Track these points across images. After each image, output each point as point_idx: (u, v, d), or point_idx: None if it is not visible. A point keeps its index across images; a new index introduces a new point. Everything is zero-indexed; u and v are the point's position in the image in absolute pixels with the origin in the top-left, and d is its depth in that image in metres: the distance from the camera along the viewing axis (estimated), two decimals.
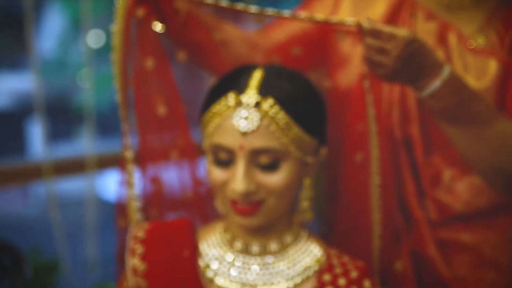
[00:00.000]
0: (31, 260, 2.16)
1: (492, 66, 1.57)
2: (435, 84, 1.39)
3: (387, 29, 1.35)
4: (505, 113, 1.55)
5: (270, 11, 1.38)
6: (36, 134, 12.18)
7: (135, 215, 1.52)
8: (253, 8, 1.37)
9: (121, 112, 1.50)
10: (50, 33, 10.99)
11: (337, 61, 1.70)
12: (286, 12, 1.39)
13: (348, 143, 1.57)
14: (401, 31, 1.35)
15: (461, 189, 1.60)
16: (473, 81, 1.56)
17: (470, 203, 1.60)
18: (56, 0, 10.67)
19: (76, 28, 11.15)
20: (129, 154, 1.51)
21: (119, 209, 1.57)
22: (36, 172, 2.69)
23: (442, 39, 1.62)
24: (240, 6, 1.40)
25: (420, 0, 1.66)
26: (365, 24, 1.35)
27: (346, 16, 1.68)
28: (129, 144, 1.51)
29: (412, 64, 1.37)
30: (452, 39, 1.61)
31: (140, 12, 1.45)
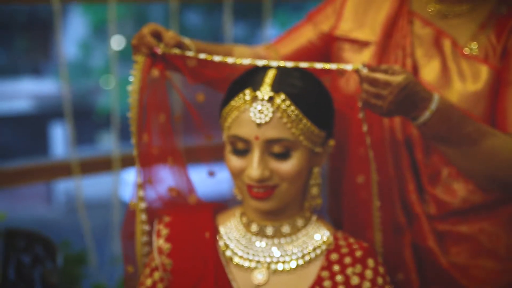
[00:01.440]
0: (61, 253, 2.29)
1: (485, 72, 1.68)
2: (426, 115, 1.52)
3: (383, 77, 1.47)
4: (496, 116, 1.67)
5: (277, 62, 1.50)
6: (59, 136, 12.36)
7: (140, 216, 1.62)
8: (261, 62, 1.49)
9: (136, 164, 1.59)
10: (72, 38, 11.19)
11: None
12: (289, 63, 1.49)
13: (351, 161, 1.66)
14: (396, 78, 1.47)
15: (457, 187, 1.71)
16: (466, 86, 1.68)
17: (466, 199, 1.71)
18: (77, 6, 10.88)
19: (96, 33, 11.35)
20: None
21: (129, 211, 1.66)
22: (64, 170, 2.85)
23: (437, 45, 1.74)
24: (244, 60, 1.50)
25: (417, 9, 1.78)
26: (363, 71, 1.47)
27: (347, 22, 1.82)
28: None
29: (406, 102, 1.50)
30: (447, 45, 1.73)
31: (156, 72, 1.54)
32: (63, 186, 11.40)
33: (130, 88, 1.52)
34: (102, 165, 3.00)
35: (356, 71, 1.47)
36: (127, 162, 3.00)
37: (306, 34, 1.87)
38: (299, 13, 10.74)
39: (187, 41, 1.62)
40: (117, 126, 3.01)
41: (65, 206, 11.29)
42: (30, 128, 12.29)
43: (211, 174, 1.66)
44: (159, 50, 1.52)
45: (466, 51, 1.71)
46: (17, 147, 11.01)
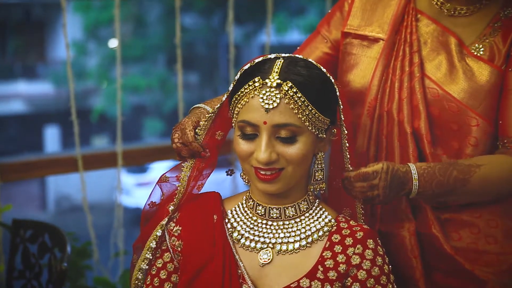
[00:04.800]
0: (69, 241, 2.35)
1: (490, 72, 1.78)
2: (415, 184, 1.67)
3: (370, 169, 1.64)
4: (498, 120, 1.78)
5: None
6: (54, 136, 12.36)
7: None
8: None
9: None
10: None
11: (346, 66, 1.91)
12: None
13: None
14: (379, 165, 1.65)
15: None
16: (472, 84, 1.78)
17: None
18: (68, 7, 10.90)
19: (88, 35, 11.38)
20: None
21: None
22: (73, 163, 2.92)
23: (443, 42, 1.83)
24: None
25: (422, 7, 1.87)
26: (352, 174, 1.63)
27: (356, 19, 1.90)
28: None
29: (395, 182, 1.65)
30: (453, 43, 1.82)
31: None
32: (54, 192, 11.46)
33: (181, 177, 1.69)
34: (108, 161, 3.07)
35: (345, 179, 1.65)
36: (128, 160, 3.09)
37: (320, 47, 1.95)
38: (296, 19, 10.85)
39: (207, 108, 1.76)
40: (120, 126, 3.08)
41: (57, 209, 11.36)
42: (25, 128, 12.33)
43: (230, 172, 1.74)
44: (208, 153, 1.67)
45: (472, 51, 1.80)
46: (12, 147, 11.06)
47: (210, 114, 1.67)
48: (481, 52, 1.79)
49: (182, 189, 1.68)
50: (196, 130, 1.68)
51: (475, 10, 1.83)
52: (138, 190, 10.26)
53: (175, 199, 1.68)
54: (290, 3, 10.81)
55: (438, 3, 1.84)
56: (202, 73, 12.11)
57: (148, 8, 11.42)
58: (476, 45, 1.81)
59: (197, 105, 1.79)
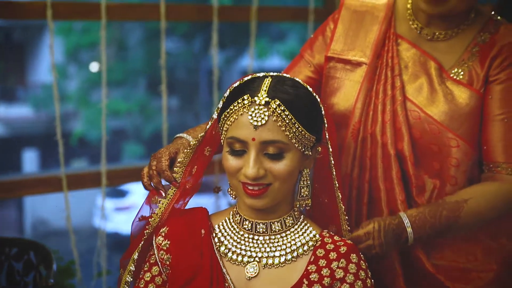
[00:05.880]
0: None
1: (469, 96, 1.86)
2: (409, 232, 1.78)
3: (361, 232, 1.76)
4: (482, 146, 1.87)
5: None
6: (31, 158, 12.27)
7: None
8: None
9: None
10: (47, 62, 11.20)
11: (330, 90, 1.97)
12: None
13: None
14: (369, 226, 1.77)
15: (437, 199, 1.87)
16: (452, 107, 1.85)
17: None
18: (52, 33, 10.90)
19: (69, 58, 11.38)
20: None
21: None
22: (57, 183, 2.94)
23: (424, 67, 1.90)
24: None
25: (402, 32, 1.94)
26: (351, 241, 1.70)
27: (339, 44, 1.96)
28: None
29: (390, 236, 1.77)
30: (433, 67, 1.89)
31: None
32: (30, 216, 11.39)
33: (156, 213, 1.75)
34: (93, 181, 3.09)
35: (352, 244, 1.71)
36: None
37: (303, 71, 2.01)
38: (277, 44, 10.94)
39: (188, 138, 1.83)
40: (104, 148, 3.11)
41: (34, 233, 11.27)
42: (3, 151, 12.27)
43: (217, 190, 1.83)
44: (178, 184, 1.73)
45: (452, 75, 1.87)
46: None
47: (188, 150, 1.73)
48: (461, 76, 1.87)
49: (160, 212, 1.73)
50: (175, 168, 1.74)
51: (453, 35, 1.90)
52: (117, 214, 10.22)
53: (151, 222, 1.73)
54: (271, 29, 10.91)
55: (418, 28, 1.92)
56: (183, 98, 12.14)
57: (129, 32, 11.47)
58: (456, 69, 1.88)
59: (179, 135, 1.84)
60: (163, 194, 1.74)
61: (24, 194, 3.17)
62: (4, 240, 2.50)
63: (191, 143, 1.74)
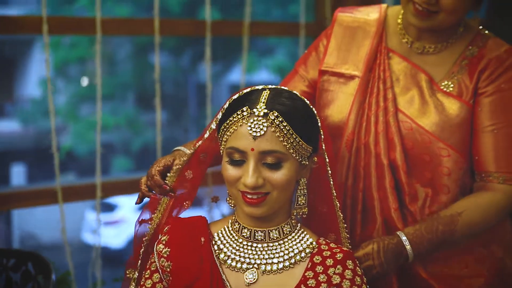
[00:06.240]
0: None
1: (459, 107, 1.92)
2: (408, 249, 1.85)
3: (360, 253, 1.83)
4: (473, 156, 1.93)
5: None
6: (19, 173, 12.25)
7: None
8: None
9: None
10: (35, 77, 11.19)
11: (324, 102, 2.03)
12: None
13: None
14: (368, 247, 1.83)
15: (431, 209, 1.94)
16: (443, 118, 1.91)
17: None
18: (40, 44, 10.90)
19: (59, 74, 11.39)
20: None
21: None
22: (53, 196, 2.96)
23: (414, 80, 1.97)
24: None
25: (393, 45, 2.01)
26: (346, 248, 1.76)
27: (332, 58, 2.02)
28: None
29: (390, 256, 1.83)
30: (423, 80, 1.96)
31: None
32: (18, 230, 11.35)
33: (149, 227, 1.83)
34: (88, 193, 3.12)
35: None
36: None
37: (298, 86, 2.07)
38: (265, 59, 11.02)
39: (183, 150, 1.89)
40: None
41: (22, 247, 11.23)
42: None
43: (215, 199, 1.87)
44: (168, 187, 1.80)
45: (442, 87, 1.94)
46: None
47: (177, 167, 1.80)
48: (451, 88, 1.93)
49: (157, 219, 1.81)
50: (168, 174, 1.81)
51: (443, 48, 1.96)
52: (105, 229, 10.21)
53: (149, 228, 1.81)
54: (259, 43, 10.99)
55: (408, 42, 1.98)
56: (171, 112, 12.18)
57: (118, 47, 11.50)
58: (446, 81, 1.94)
59: (177, 148, 1.91)
60: (158, 197, 1.81)
61: (15, 207, 3.18)
62: (1, 251, 2.52)
63: (188, 152, 1.81)
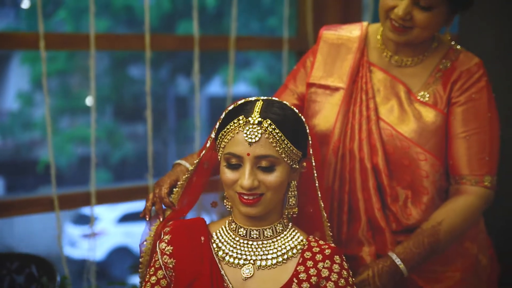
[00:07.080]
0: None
1: (435, 115, 2.09)
2: (402, 268, 2.01)
3: (357, 279, 1.99)
4: (448, 161, 2.10)
5: None
6: None
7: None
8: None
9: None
10: (13, 90, 11.17)
11: (311, 112, 2.20)
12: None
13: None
14: (364, 274, 2.01)
15: (412, 209, 2.12)
16: (420, 125, 2.08)
17: (418, 219, 2.12)
18: (17, 57, 10.91)
19: (37, 88, 11.42)
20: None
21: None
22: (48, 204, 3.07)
23: (394, 90, 2.13)
24: None
25: (375, 60, 2.18)
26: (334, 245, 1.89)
27: (319, 71, 2.18)
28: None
29: (386, 278, 2.00)
30: (402, 90, 2.12)
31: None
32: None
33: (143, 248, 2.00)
34: (83, 201, 3.22)
35: None
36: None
37: (288, 100, 2.22)
38: (243, 71, 11.17)
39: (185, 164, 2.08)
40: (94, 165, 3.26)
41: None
42: None
43: (214, 204, 2.03)
44: (176, 208, 2.00)
45: (419, 97, 2.11)
46: None
47: (181, 182, 1.99)
48: (427, 98, 2.10)
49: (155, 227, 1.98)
50: (172, 196, 1.99)
51: (419, 62, 2.13)
52: (84, 242, 10.21)
53: (147, 239, 1.98)
54: (238, 56, 11.17)
55: (388, 55, 2.16)
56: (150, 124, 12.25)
57: (96, 60, 11.56)
58: (422, 92, 2.11)
59: (177, 162, 2.08)
60: (161, 219, 1.99)
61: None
62: (5, 255, 2.62)
63: (189, 168, 2.00)
